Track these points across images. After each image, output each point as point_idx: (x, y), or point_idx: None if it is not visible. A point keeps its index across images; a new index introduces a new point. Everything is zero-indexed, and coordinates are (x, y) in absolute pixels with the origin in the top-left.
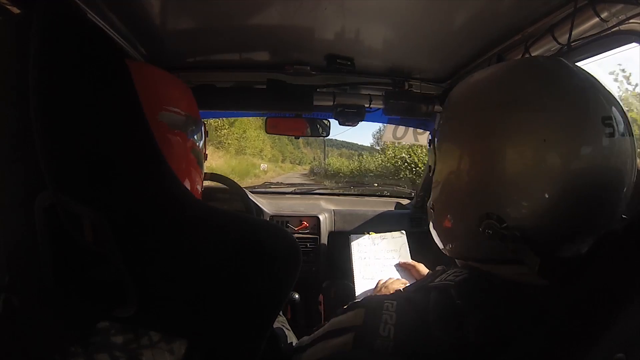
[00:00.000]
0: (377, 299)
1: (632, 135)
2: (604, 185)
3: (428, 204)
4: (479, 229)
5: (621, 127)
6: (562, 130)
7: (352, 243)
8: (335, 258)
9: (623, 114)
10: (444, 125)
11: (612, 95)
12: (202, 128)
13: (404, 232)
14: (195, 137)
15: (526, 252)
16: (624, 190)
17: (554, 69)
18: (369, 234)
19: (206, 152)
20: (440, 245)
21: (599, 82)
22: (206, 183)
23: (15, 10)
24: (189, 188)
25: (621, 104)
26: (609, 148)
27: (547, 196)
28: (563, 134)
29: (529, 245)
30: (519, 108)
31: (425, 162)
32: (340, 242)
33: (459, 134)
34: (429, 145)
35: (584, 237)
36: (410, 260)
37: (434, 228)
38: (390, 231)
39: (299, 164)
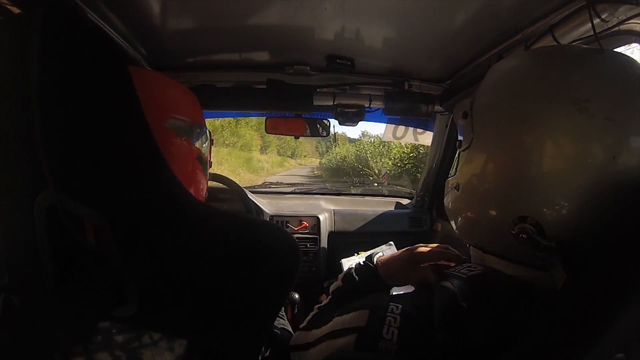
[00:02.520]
0: (382, 300)
1: None
2: None
3: (450, 181)
4: (511, 230)
5: None
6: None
7: (344, 268)
8: (335, 258)
9: None
10: (487, 107)
11: None
12: (208, 134)
13: (391, 243)
14: (201, 143)
15: (555, 265)
16: None
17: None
18: (358, 254)
19: (211, 160)
20: (454, 226)
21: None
22: None
23: (16, 11)
24: (193, 193)
25: None
26: None
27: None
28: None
29: (560, 258)
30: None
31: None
32: (341, 243)
33: (500, 124)
34: (464, 118)
35: None
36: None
37: (452, 209)
38: (384, 238)
39: (291, 157)
